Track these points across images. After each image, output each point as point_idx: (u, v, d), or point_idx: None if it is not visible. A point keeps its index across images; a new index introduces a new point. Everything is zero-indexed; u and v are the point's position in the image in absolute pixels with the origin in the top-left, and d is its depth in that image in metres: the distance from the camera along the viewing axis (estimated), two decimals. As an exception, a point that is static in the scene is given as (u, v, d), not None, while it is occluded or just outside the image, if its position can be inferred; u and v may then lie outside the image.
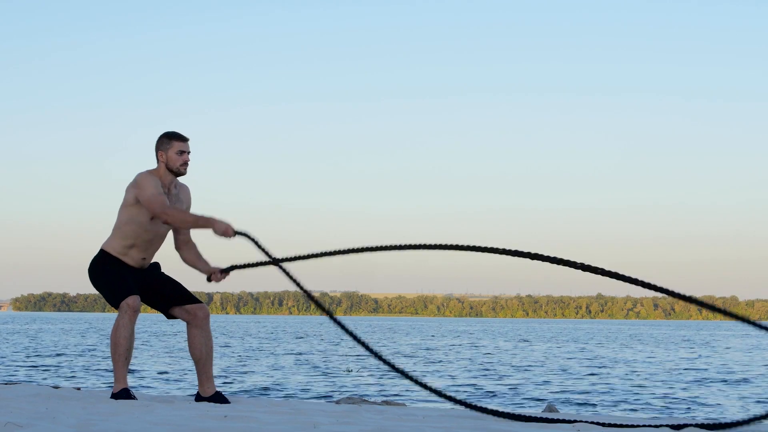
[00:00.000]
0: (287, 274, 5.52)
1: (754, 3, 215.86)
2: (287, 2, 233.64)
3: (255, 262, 5.60)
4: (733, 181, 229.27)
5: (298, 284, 5.54)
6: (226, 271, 5.67)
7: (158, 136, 5.64)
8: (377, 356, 5.54)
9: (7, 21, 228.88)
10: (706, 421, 4.95)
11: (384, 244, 5.31)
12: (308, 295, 5.61)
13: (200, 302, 5.70)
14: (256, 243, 5.50)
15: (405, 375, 5.48)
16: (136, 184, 5.56)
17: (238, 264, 5.64)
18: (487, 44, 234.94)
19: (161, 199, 5.51)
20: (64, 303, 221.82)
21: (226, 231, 5.46)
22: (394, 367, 5.50)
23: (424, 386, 5.46)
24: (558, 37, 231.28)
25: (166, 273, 5.79)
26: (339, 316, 5.45)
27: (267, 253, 5.50)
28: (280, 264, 5.52)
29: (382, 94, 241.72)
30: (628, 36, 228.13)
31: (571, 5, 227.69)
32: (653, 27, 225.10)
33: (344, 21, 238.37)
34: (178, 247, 5.77)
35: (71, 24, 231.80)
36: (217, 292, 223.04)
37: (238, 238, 5.48)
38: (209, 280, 5.68)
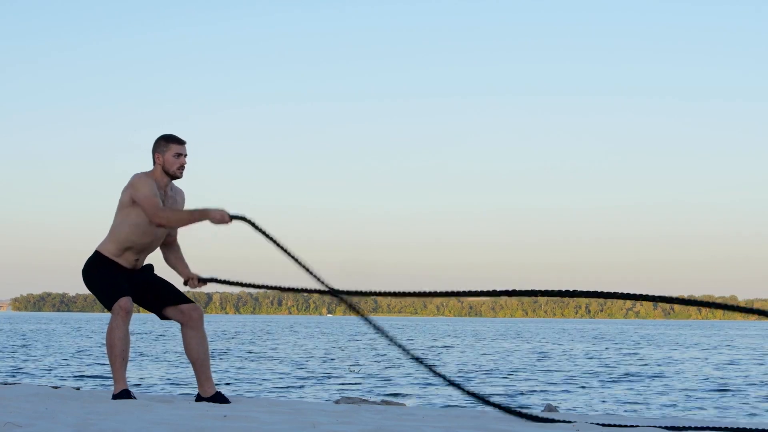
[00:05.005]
0: (291, 254, 5.48)
1: (750, 3, 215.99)
2: (290, 3, 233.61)
3: (235, 281, 5.62)
4: (732, 180, 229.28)
5: (305, 268, 5.50)
6: (204, 281, 5.67)
7: (155, 138, 5.63)
8: (404, 349, 5.45)
9: (10, 21, 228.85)
10: (710, 424, 4.95)
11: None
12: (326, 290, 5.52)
13: (193, 302, 5.68)
14: (255, 225, 5.46)
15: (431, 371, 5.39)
16: (131, 186, 5.52)
17: (218, 278, 5.64)
18: (487, 46, 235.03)
19: (155, 201, 5.46)
20: (64, 303, 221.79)
21: (222, 218, 5.42)
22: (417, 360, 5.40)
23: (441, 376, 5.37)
24: (557, 38, 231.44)
25: (158, 275, 5.76)
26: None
27: (266, 235, 5.49)
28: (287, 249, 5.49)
29: (385, 94, 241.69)
30: (625, 37, 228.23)
31: (565, 7, 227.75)
32: (651, 28, 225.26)
33: (345, 22, 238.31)
34: (162, 245, 5.73)
35: (76, 24, 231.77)
36: (216, 292, 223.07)
37: (236, 222, 5.49)
38: (185, 284, 5.67)
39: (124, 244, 5.55)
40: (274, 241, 5.48)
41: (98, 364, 18.46)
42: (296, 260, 5.48)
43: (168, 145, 5.58)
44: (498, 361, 21.26)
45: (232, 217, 5.46)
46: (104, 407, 5.09)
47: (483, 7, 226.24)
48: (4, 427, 4.11)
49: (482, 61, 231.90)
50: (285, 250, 5.48)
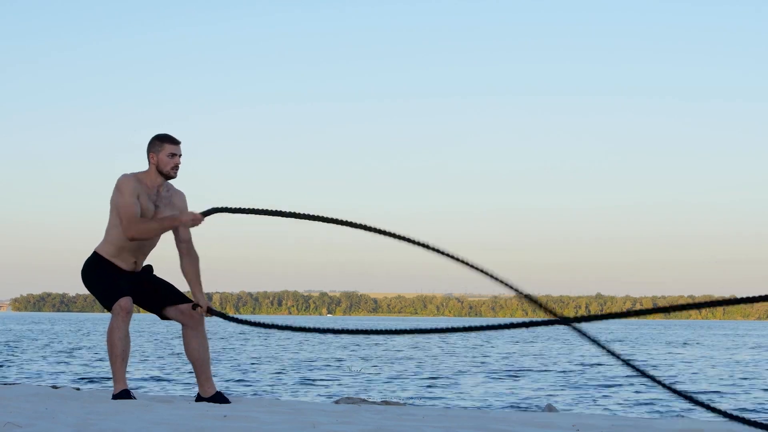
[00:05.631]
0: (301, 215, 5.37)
1: (750, 3, 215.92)
2: (290, 3, 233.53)
3: (237, 208, 5.47)
4: (732, 180, 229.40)
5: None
6: (211, 312, 5.62)
7: (150, 138, 5.60)
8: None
9: (10, 21, 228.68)
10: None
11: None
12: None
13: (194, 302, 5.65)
14: (228, 209, 5.45)
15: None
16: (115, 188, 5.50)
17: (227, 314, 5.63)
18: (487, 46, 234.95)
19: (132, 210, 5.42)
20: (64, 303, 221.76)
21: (194, 220, 5.46)
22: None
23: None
24: (558, 38, 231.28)
25: (158, 275, 5.73)
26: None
27: (245, 210, 5.47)
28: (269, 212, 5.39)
29: (385, 94, 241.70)
30: (625, 37, 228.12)
31: (565, 7, 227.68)
32: (651, 28, 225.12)
33: (345, 22, 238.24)
34: (178, 251, 5.67)
35: (76, 24, 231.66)
36: (216, 292, 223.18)
37: (210, 217, 5.49)
38: (194, 308, 5.60)
39: (119, 245, 5.52)
40: (256, 211, 5.45)
41: (99, 363, 18.46)
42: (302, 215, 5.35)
43: (162, 144, 5.55)
44: (498, 361, 21.26)
45: (204, 214, 5.46)
46: (104, 407, 5.09)
47: (483, 7, 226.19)
48: (4, 427, 4.11)
49: (482, 61, 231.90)
50: (276, 213, 5.37)
